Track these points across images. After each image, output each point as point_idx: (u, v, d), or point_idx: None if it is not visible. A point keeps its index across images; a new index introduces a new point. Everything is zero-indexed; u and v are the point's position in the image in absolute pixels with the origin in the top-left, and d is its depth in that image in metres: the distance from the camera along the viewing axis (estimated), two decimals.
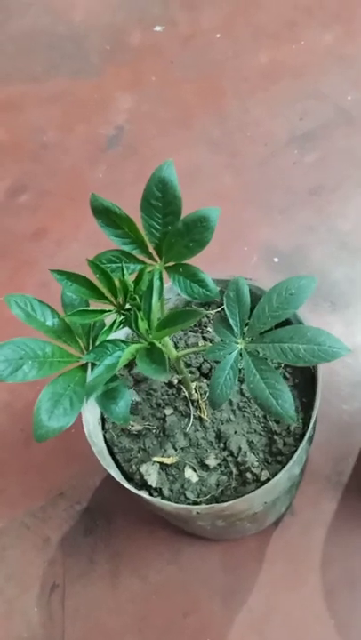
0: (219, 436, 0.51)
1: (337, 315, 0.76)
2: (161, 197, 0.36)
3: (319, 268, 0.80)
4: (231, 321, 0.40)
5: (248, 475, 0.48)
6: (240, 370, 0.39)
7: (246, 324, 0.40)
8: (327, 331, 0.36)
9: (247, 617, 0.62)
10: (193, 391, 0.50)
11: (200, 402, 0.51)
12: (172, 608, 0.63)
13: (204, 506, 0.44)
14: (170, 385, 0.53)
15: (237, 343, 0.39)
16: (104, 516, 0.68)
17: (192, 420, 0.51)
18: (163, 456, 0.50)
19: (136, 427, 0.51)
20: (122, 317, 0.36)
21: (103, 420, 0.53)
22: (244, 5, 1.06)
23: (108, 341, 0.35)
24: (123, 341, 0.35)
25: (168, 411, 0.52)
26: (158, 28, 1.06)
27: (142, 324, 0.35)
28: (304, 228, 0.83)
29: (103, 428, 0.53)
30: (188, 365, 0.53)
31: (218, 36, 1.03)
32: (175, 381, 0.52)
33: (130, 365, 0.54)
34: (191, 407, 0.51)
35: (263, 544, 0.65)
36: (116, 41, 1.06)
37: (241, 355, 0.39)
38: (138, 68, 1.02)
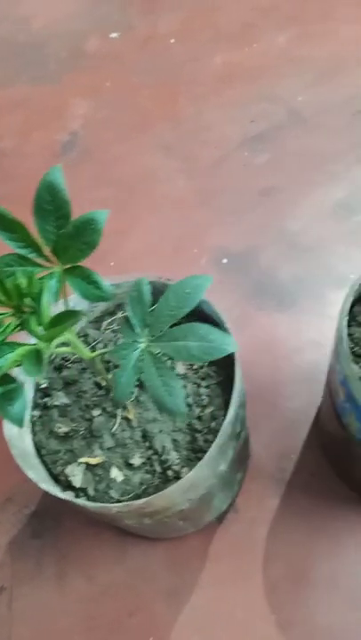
0: (145, 436, 0.51)
1: (284, 313, 0.77)
2: (51, 201, 0.37)
3: (268, 268, 0.80)
4: (133, 321, 0.40)
5: (170, 472, 0.49)
6: None
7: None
8: (217, 329, 0.37)
9: (191, 615, 0.62)
10: None
11: (127, 402, 0.52)
12: (118, 608, 0.64)
13: (120, 504, 0.45)
14: (99, 386, 0.54)
15: (139, 343, 0.40)
16: (52, 520, 0.69)
17: (119, 420, 0.52)
18: (89, 457, 0.51)
19: (63, 429, 0.52)
20: (18, 320, 0.37)
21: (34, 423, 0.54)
22: (201, 9, 1.07)
23: (5, 343, 0.36)
24: (17, 344, 0.36)
25: (96, 412, 0.52)
26: (115, 35, 1.07)
27: (34, 326, 0.35)
28: (254, 228, 0.84)
29: (33, 431, 0.53)
30: (116, 366, 0.54)
31: (173, 40, 1.04)
32: (103, 382, 0.53)
33: (60, 368, 0.55)
34: (119, 408, 0.52)
35: (206, 542, 0.65)
36: (74, 48, 1.08)
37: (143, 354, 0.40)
38: (95, 75, 1.03)
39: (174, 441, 0.51)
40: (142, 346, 0.40)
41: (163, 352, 0.39)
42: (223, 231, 0.84)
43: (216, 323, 0.51)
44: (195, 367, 0.53)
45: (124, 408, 0.52)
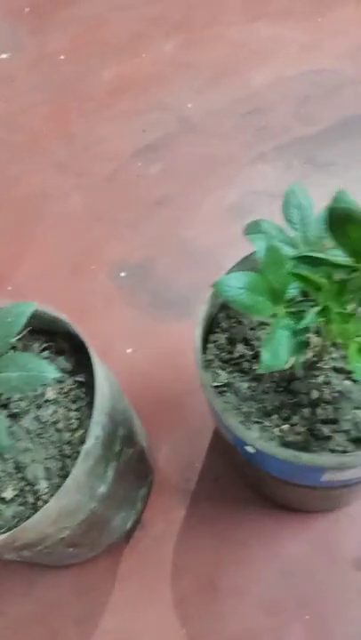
0: (17, 467, 0.50)
1: (183, 322, 0.77)
2: None
3: (165, 278, 0.80)
4: None
5: (39, 503, 0.48)
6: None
7: None
8: (37, 357, 0.36)
9: None
10: None
11: None
12: None
13: None
14: None
15: None
16: None
17: None
18: None
19: None
20: None
21: None
22: (89, 24, 1.07)
23: None
24: None
25: None
26: (5, 55, 1.06)
27: None
28: (150, 239, 0.83)
29: None
30: None
31: (63, 57, 1.04)
32: None
33: None
34: None
35: (115, 563, 0.64)
36: None
37: None
38: None
39: (47, 469, 0.50)
40: None
41: None
42: (120, 244, 0.84)
43: (82, 343, 0.51)
44: (65, 390, 0.53)
45: None
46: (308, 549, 0.61)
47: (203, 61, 0.98)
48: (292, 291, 0.38)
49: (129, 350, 0.75)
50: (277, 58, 0.96)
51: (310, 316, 0.34)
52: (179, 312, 0.77)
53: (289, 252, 0.41)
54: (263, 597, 0.60)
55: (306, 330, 0.36)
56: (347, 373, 0.49)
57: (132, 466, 0.59)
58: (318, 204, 0.81)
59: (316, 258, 0.35)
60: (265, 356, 0.34)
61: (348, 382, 0.48)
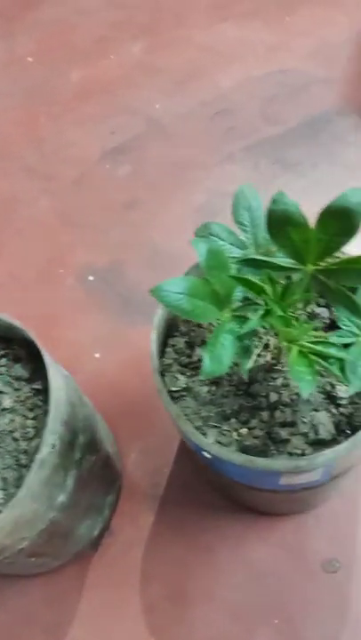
0: None
1: (152, 326, 0.76)
2: None
3: (134, 282, 0.80)
4: None
5: None
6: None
7: None
8: None
9: None
10: None
11: None
12: None
13: None
14: None
15: None
16: None
17: None
18: None
19: None
20: None
21: None
22: (57, 28, 1.06)
23: None
24: None
25: None
26: None
27: None
28: (119, 243, 0.83)
29: None
30: None
31: (31, 59, 1.03)
32: None
33: None
34: None
35: (83, 571, 0.63)
36: None
37: None
38: None
39: (3, 479, 0.49)
40: None
41: None
42: (88, 248, 0.83)
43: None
44: (22, 398, 0.52)
45: None
46: (277, 553, 0.61)
47: (170, 64, 0.98)
48: (239, 294, 0.37)
49: (97, 355, 0.74)
50: (244, 59, 0.95)
51: (253, 321, 0.34)
52: (148, 316, 0.76)
53: (238, 254, 0.41)
54: (232, 602, 0.60)
55: (251, 334, 0.36)
56: None
57: (97, 473, 0.59)
58: None
59: (259, 260, 0.34)
60: (206, 361, 0.33)
61: None
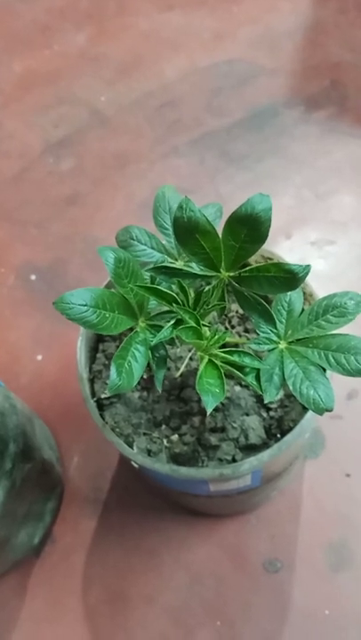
0: None
1: None
2: None
3: (76, 280, 0.78)
4: None
5: None
6: None
7: None
8: None
9: None
10: None
11: None
12: None
13: None
14: None
15: None
16: None
17: None
18: None
19: None
20: None
21: None
22: None
23: None
24: None
25: None
26: None
27: None
28: (61, 239, 0.81)
29: None
30: None
31: None
32: None
33: None
34: None
35: (24, 578, 0.62)
36: None
37: None
38: None
39: None
40: None
41: None
42: (29, 246, 0.81)
43: None
44: None
45: None
46: (217, 554, 0.60)
47: (114, 53, 0.95)
48: (154, 302, 0.36)
49: (39, 357, 0.73)
50: (189, 48, 0.94)
51: (164, 331, 0.33)
52: None
53: (158, 259, 0.39)
54: (172, 605, 0.59)
55: (165, 344, 0.35)
56: (236, 378, 0.48)
57: (34, 480, 0.57)
58: (231, 198, 0.80)
59: (171, 268, 0.33)
60: (113, 375, 0.32)
61: (237, 388, 0.47)
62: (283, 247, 0.76)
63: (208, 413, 0.30)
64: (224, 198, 0.79)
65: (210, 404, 0.30)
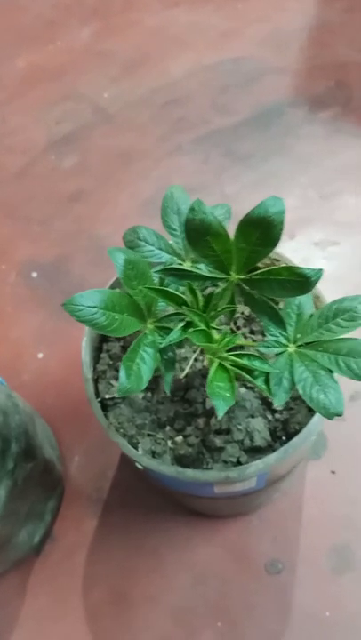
0: None
1: None
2: None
3: (79, 277, 0.77)
4: None
5: None
6: None
7: None
8: None
9: None
10: None
11: None
12: None
13: None
14: None
15: None
16: None
17: None
18: None
19: None
20: None
21: None
22: (2, 9, 1.02)
23: None
24: None
25: None
26: None
27: None
28: (64, 236, 0.80)
29: None
30: None
31: None
32: None
33: None
34: None
35: (25, 577, 0.62)
36: None
37: None
38: None
39: None
40: None
41: None
42: (32, 243, 0.80)
43: None
44: None
45: None
46: (220, 555, 0.60)
47: (120, 49, 0.95)
48: (163, 304, 0.36)
49: (40, 355, 0.72)
50: (196, 46, 0.93)
51: (173, 334, 0.32)
52: None
53: (166, 260, 0.39)
54: (175, 606, 0.59)
55: (175, 345, 0.34)
56: (241, 380, 0.47)
57: (36, 479, 0.57)
58: (236, 197, 0.79)
59: (181, 270, 0.33)
60: (122, 377, 0.31)
61: (243, 390, 0.47)
62: (287, 247, 0.76)
63: (219, 418, 0.30)
64: (229, 197, 0.79)
65: (221, 409, 0.30)
